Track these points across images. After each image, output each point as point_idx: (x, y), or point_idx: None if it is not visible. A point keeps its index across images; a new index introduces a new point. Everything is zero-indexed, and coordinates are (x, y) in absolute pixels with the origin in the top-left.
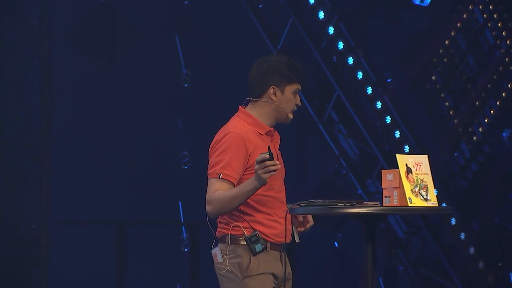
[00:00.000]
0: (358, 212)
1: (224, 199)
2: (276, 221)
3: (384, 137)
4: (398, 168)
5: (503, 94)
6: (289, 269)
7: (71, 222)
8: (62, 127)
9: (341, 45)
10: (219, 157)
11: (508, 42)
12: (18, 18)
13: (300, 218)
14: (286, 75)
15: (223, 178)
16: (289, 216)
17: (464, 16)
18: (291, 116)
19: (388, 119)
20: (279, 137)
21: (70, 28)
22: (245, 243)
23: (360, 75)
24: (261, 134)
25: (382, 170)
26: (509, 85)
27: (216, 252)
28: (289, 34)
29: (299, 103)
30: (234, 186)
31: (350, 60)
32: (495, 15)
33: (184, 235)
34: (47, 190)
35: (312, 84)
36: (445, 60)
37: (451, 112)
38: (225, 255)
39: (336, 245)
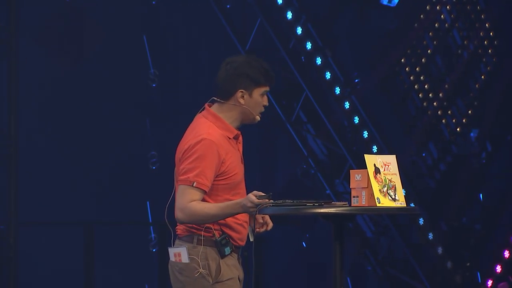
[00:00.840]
0: (326, 212)
1: (201, 213)
2: (242, 225)
3: (352, 137)
4: (366, 168)
5: (471, 94)
6: (242, 272)
7: (38, 223)
8: (29, 127)
9: (309, 45)
10: (193, 164)
11: (475, 42)
12: None
13: (260, 220)
14: (254, 78)
15: (196, 187)
16: (248, 217)
17: (432, 16)
18: (258, 118)
19: (356, 119)
20: (242, 138)
21: (38, 28)
22: (214, 245)
23: (328, 75)
24: (230, 139)
25: (351, 170)
26: (476, 85)
27: (181, 251)
28: (257, 34)
29: (266, 103)
30: (205, 193)
31: (318, 60)
32: (462, 16)
33: (152, 235)
34: (15, 190)
35: (280, 84)
36: (413, 60)
37: (418, 112)
38: (194, 256)
39: (304, 245)
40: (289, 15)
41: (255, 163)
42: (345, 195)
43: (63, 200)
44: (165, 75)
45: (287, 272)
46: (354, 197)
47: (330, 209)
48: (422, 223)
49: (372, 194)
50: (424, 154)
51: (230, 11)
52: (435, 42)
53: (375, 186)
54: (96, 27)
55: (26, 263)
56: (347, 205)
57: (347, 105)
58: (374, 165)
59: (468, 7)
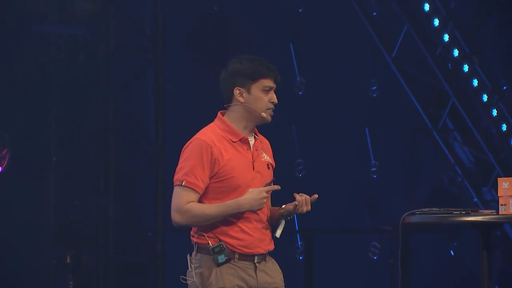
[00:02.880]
0: (473, 221)
1: (199, 214)
2: (245, 232)
3: (500, 145)
4: None
5: None
6: (273, 279)
7: (185, 230)
8: (176, 134)
9: (456, 52)
10: (182, 164)
11: None
12: (133, 26)
13: (291, 207)
14: (247, 73)
15: (186, 186)
16: (267, 224)
17: None
18: (264, 115)
19: (504, 127)
20: (268, 143)
21: (185, 36)
22: (209, 253)
23: (475, 82)
24: (234, 142)
25: (498, 178)
26: None
27: (188, 260)
28: (404, 41)
29: (274, 100)
30: (200, 194)
31: (465, 67)
32: None
33: (299, 242)
34: (162, 196)
35: (427, 92)
36: None
37: None
38: (192, 264)
39: (452, 253)
40: (436, 22)
41: (401, 171)
42: (492, 203)
43: None
44: (311, 82)
45: (435, 281)
46: (501, 205)
47: (477, 217)
48: None
49: None
50: None
51: (376, 18)
52: None
53: None
54: (242, 35)
55: (173, 271)
56: (495, 213)
57: (494, 112)
58: None
59: None
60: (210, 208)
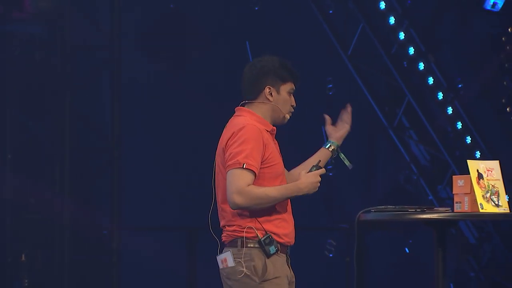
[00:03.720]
0: (429, 218)
1: (262, 196)
2: (285, 221)
3: (455, 143)
4: (469, 174)
5: None
6: (292, 272)
7: (141, 228)
8: (132, 132)
9: (411, 50)
10: (240, 148)
11: None
12: (89, 24)
13: (330, 130)
14: (281, 74)
15: (247, 168)
16: (291, 217)
17: None
18: (287, 117)
19: (459, 125)
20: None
21: (141, 35)
22: (258, 245)
23: (431, 80)
24: (267, 131)
25: (453, 176)
26: None
27: (227, 257)
28: (360, 39)
29: (294, 104)
30: (255, 177)
31: (421, 66)
32: None
33: None
34: (119, 195)
35: (382, 90)
36: None
37: None
38: (240, 259)
39: (407, 251)
40: (392, 20)
41: (357, 169)
42: (447, 201)
43: (166, 205)
44: None
45: (390, 279)
46: (456, 203)
47: (432, 215)
48: None
49: (475, 200)
50: None
51: (332, 16)
52: None
53: (478, 192)
54: (199, 33)
55: (129, 268)
56: (450, 211)
57: (450, 110)
58: (477, 170)
59: None
60: (271, 190)
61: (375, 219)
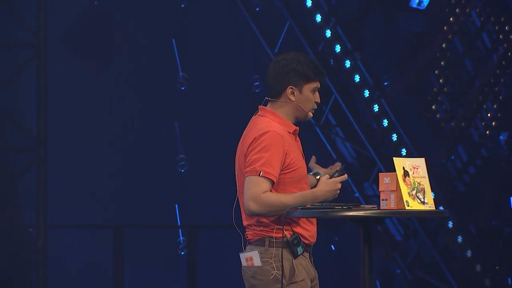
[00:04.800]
0: (355, 215)
1: (277, 203)
2: (310, 222)
3: (381, 140)
4: (395, 171)
5: (500, 98)
6: (315, 271)
7: (68, 226)
8: (58, 130)
9: (338, 48)
10: (258, 155)
11: (505, 45)
12: (15, 21)
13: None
14: (304, 73)
15: (263, 176)
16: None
17: (461, 19)
18: (310, 114)
19: (385, 122)
20: (299, 138)
21: (66, 31)
22: (286, 246)
23: (357, 78)
24: (290, 133)
25: (379, 173)
26: (506, 88)
27: (253, 255)
28: (286, 37)
29: (318, 100)
30: (273, 185)
31: (347, 63)
32: (492, 18)
33: (181, 238)
34: (44, 193)
35: None
36: (442, 63)
37: (448, 115)
38: (268, 259)
39: (333, 248)
40: (318, 18)
41: None
42: (374, 198)
43: (92, 203)
44: (194, 78)
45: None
46: (383, 200)
47: (359, 212)
48: (451, 226)
49: (401, 197)
50: (453, 157)
51: (259, 14)
52: (464, 45)
53: (404, 189)
54: (125, 30)
55: (55, 266)
56: (376, 208)
57: (376, 108)
58: (403, 168)
59: (497, 10)
60: (286, 197)
61: (302, 216)
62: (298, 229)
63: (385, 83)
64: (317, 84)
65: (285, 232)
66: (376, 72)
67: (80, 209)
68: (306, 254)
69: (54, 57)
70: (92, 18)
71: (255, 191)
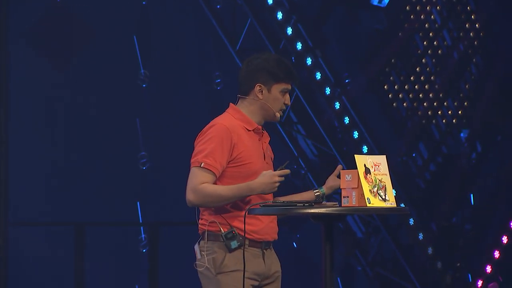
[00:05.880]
0: (317, 213)
1: (213, 194)
2: (256, 218)
3: (343, 138)
4: (356, 168)
5: (461, 95)
6: (277, 267)
7: (28, 223)
8: (20, 127)
9: (299, 45)
10: (202, 146)
11: (465, 43)
12: None
13: (331, 182)
14: (274, 73)
15: (204, 167)
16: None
17: (422, 17)
18: (278, 115)
19: (347, 120)
20: (269, 138)
21: (27, 29)
22: (221, 240)
23: (318, 75)
24: (249, 130)
25: (341, 171)
26: (466, 86)
27: (196, 249)
28: (248, 34)
29: (288, 102)
30: (216, 177)
31: (309, 61)
32: (452, 16)
33: (143, 235)
34: (5, 190)
35: None
36: (403, 60)
37: (409, 113)
38: (203, 251)
39: (295, 245)
40: (279, 15)
41: None
42: (335, 195)
43: (53, 200)
44: (155, 75)
45: None
46: (344, 197)
47: (321, 210)
48: (412, 223)
49: (362, 195)
50: (414, 155)
51: (220, 11)
52: (425, 43)
53: (365, 187)
54: (86, 28)
55: (17, 264)
56: (338, 205)
57: (337, 105)
58: (365, 165)
59: (458, 8)
60: (223, 189)
61: (263, 214)
62: (236, 224)
63: (347, 81)
64: (287, 86)
65: (221, 226)
66: (337, 69)
67: (40, 206)
68: (253, 249)
69: (16, 54)
70: (54, 15)
71: (194, 182)
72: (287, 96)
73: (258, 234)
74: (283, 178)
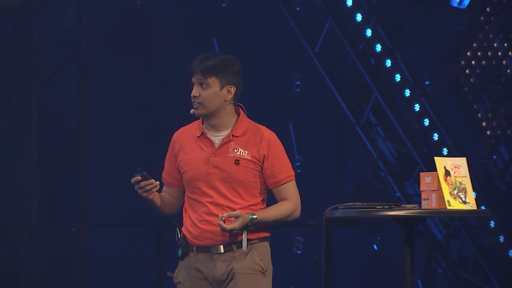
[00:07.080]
0: (396, 215)
1: None
2: (194, 225)
3: (422, 140)
4: (436, 170)
5: None
6: (224, 269)
7: (109, 225)
8: (99, 129)
9: (378, 47)
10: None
11: None
12: (56, 21)
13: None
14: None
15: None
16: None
17: (502, 18)
18: (192, 110)
19: (426, 122)
20: (263, 137)
21: (108, 31)
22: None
23: (398, 77)
24: (198, 136)
25: (421, 173)
26: None
27: None
28: (327, 36)
29: (192, 94)
30: (170, 187)
31: (388, 63)
32: None
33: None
34: (85, 192)
35: (349, 87)
36: (483, 62)
37: (489, 115)
38: None
39: (375, 247)
40: (359, 17)
41: (324, 166)
42: (415, 197)
43: (133, 202)
44: None
45: (358, 276)
46: (424, 199)
47: (400, 212)
48: (493, 225)
49: (442, 197)
50: (494, 157)
51: (299, 13)
52: (505, 44)
53: (445, 189)
54: (166, 30)
55: (97, 265)
56: (417, 207)
57: (417, 107)
58: (444, 167)
59: None
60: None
61: (343, 216)
62: (184, 231)
63: (426, 82)
64: (193, 79)
65: (178, 235)
66: (417, 71)
67: (121, 208)
68: (202, 255)
69: (96, 56)
70: (134, 17)
71: None
72: (194, 89)
73: (198, 239)
74: (141, 186)
